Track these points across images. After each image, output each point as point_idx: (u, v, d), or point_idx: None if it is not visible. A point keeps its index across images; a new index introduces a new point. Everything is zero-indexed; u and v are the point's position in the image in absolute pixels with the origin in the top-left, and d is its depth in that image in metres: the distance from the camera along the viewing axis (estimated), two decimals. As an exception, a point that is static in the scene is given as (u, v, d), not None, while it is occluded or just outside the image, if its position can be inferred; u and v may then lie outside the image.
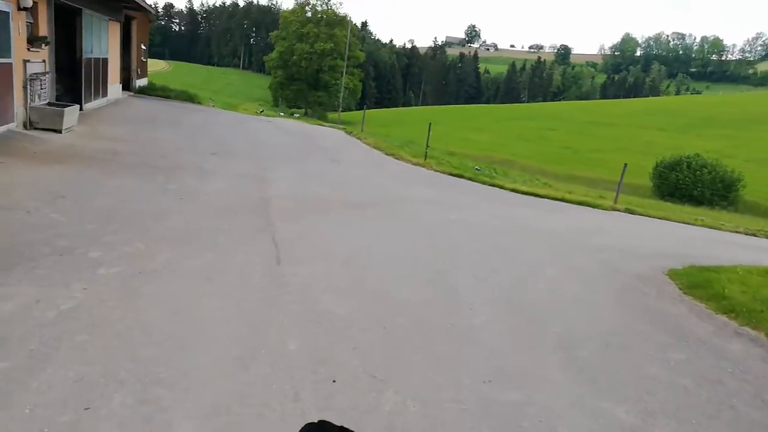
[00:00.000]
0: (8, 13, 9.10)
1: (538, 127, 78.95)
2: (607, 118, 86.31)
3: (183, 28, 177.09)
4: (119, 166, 8.49)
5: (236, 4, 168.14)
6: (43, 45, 10.48)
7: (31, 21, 10.44)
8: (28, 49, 10.14)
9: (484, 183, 13.43)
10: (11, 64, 9.38)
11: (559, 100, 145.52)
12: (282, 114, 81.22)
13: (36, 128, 10.03)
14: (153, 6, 23.30)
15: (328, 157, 13.54)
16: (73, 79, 13.87)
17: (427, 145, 15.47)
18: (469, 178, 13.66)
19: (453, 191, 11.68)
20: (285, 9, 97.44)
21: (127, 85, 22.86)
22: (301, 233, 6.39)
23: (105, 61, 16.20)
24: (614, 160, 60.15)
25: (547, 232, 8.85)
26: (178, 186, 7.83)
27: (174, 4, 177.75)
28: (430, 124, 15.71)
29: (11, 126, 9.50)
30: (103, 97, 16.15)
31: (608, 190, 39.87)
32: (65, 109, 10.30)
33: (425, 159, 15.15)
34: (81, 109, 13.76)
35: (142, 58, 24.84)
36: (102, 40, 15.87)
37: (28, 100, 10.14)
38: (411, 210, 8.72)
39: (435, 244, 6.83)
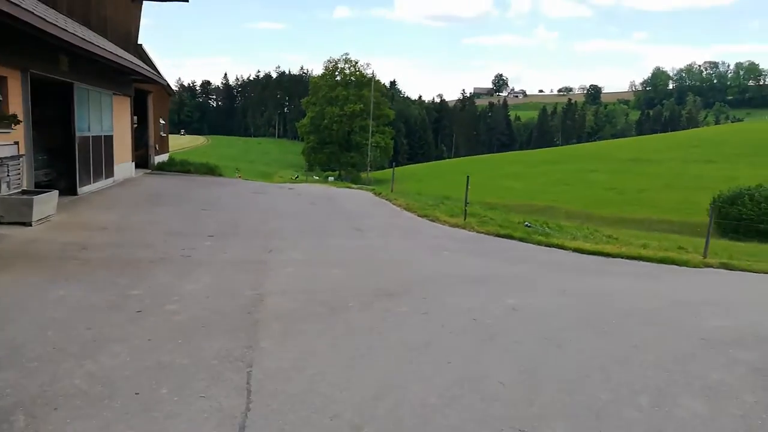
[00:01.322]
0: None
1: (578, 169, 76.28)
2: (649, 154, 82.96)
3: (220, 103, 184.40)
4: (79, 267, 6.68)
5: (269, 76, 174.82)
6: (13, 125, 9.07)
7: (0, 98, 9.10)
8: (-8, 131, 8.74)
9: (539, 243, 11.14)
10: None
11: (594, 140, 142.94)
12: (316, 178, 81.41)
13: (1, 223, 8.45)
14: (163, 79, 22.64)
15: (350, 225, 11.58)
16: (68, 161, 12.56)
17: (466, 201, 13.35)
18: (521, 238, 11.40)
19: (505, 259, 9.44)
20: (314, 75, 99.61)
21: (144, 162, 21.90)
22: (296, 363, 4.28)
23: (109, 138, 15.00)
24: (663, 198, 56.77)
25: (641, 312, 6.48)
26: (145, 290, 5.92)
27: (211, 81, 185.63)
28: (468, 177, 13.67)
29: (-35, 223, 7.95)
30: (107, 177, 14.85)
31: (665, 231, 36.67)
32: (36, 197, 8.73)
33: (465, 218, 13.02)
34: (75, 193, 12.36)
35: (162, 133, 24.03)
36: (105, 117, 14.72)
37: (-8, 190, 8.65)
38: (455, 297, 6.53)
39: (498, 363, 4.59)
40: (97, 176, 13.99)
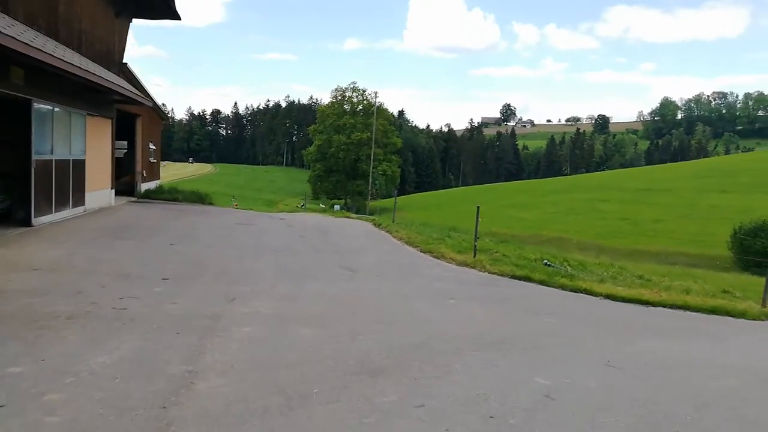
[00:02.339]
0: None
1: (588, 199, 74.50)
2: (661, 183, 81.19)
3: (229, 131, 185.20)
4: (-38, 327, 5.03)
5: (278, 105, 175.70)
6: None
7: None
8: None
9: (563, 287, 9.38)
10: None
11: (603, 169, 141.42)
12: (323, 206, 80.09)
13: None
14: (154, 103, 21.31)
15: (341, 263, 9.88)
16: (24, 188, 11.04)
17: (476, 236, 11.63)
18: (541, 281, 9.65)
19: (525, 310, 7.69)
20: (323, 104, 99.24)
21: (131, 189, 20.45)
22: None
23: (80, 163, 13.53)
24: (679, 229, 54.68)
25: (721, 398, 4.73)
26: (32, 365, 4.25)
27: (221, 110, 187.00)
28: (478, 207, 11.97)
29: None
30: (76, 206, 13.32)
31: (683, 264, 34.56)
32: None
33: (474, 255, 11.30)
34: (29, 224, 10.80)
35: (151, 159, 22.62)
36: (75, 139, 13.27)
37: None
38: (464, 375, 4.80)
39: None
40: (61, 205, 12.45)
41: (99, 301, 6.27)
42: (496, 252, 12.86)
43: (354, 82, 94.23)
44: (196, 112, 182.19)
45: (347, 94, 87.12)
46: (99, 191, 15.32)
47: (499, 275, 10.02)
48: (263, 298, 7.06)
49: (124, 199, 18.63)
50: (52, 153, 11.82)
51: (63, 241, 9.74)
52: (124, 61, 17.01)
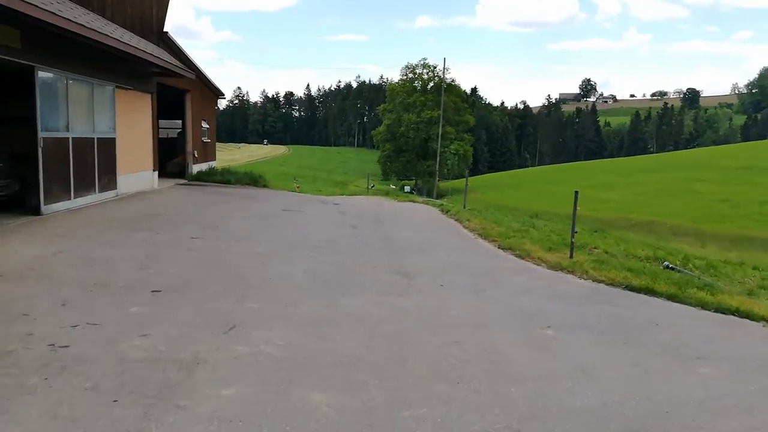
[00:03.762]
0: None
1: (681, 178, 67.64)
2: (764, 161, 72.66)
3: (302, 113, 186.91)
4: None
5: (350, 86, 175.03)
6: None
7: None
8: None
9: (704, 305, 6.66)
10: None
11: (693, 147, 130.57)
12: (393, 187, 78.03)
13: None
14: (201, 76, 19.73)
15: (395, 266, 7.64)
16: (34, 170, 9.57)
17: (574, 230, 8.96)
18: (670, 296, 6.95)
19: (668, 355, 5.08)
20: (391, 82, 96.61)
21: (182, 171, 19.16)
22: None
23: (108, 142, 12.05)
24: (791, 212, 48.17)
25: None
26: None
27: (294, 92, 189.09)
28: (576, 193, 9.24)
29: None
30: (104, 191, 11.88)
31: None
32: None
33: (571, 255, 8.69)
34: (38, 212, 9.32)
35: (204, 138, 21.25)
36: (101, 115, 11.78)
37: None
38: None
39: None
40: (84, 190, 10.98)
41: (39, 330, 4.40)
42: (595, 248, 10.17)
43: (425, 58, 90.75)
44: (270, 95, 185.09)
45: (417, 71, 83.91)
46: (137, 173, 13.90)
47: (608, 284, 7.41)
48: (276, 324, 4.96)
49: (171, 182, 17.30)
50: (68, 130, 10.29)
51: (62, 234, 8.11)
52: (164, 30, 15.41)
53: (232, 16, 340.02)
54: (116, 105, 12.39)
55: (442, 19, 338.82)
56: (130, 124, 13.43)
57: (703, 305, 6.72)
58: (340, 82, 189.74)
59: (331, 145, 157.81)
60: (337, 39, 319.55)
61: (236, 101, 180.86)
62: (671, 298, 6.94)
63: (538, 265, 8.34)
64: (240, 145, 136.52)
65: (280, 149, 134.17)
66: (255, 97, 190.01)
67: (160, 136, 23.58)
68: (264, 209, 12.61)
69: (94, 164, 11.41)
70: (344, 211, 13.16)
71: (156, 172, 15.38)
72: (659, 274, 8.01)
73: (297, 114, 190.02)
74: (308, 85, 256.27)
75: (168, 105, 19.78)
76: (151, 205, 11.74)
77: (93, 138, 11.33)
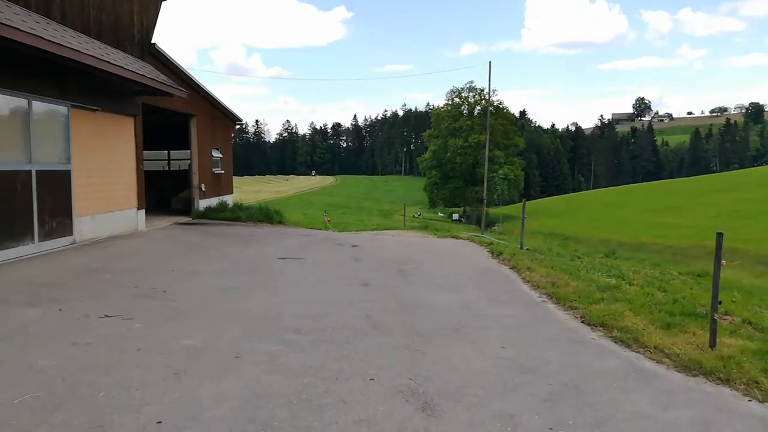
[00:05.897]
0: None
1: (757, 199, 61.03)
2: None
3: (350, 143, 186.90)
4: None
5: (396, 114, 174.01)
6: None
7: None
8: None
9: None
10: None
11: (761, 164, 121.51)
12: (441, 215, 74.30)
13: None
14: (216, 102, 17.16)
15: (408, 374, 4.36)
16: None
17: (717, 300, 5.42)
18: None
19: None
20: (436, 107, 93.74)
21: (187, 207, 16.59)
22: None
23: (57, 176, 9.42)
24: None
25: None
26: None
27: (341, 123, 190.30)
28: (720, 234, 5.71)
29: None
30: (51, 238, 9.20)
31: None
32: None
33: (713, 344, 5.17)
34: None
35: (216, 169, 18.71)
36: (48, 141, 9.18)
37: None
38: None
39: None
40: (11, 239, 8.30)
41: None
42: (727, 314, 6.55)
43: (471, 81, 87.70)
44: (318, 127, 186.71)
45: (464, 94, 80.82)
46: (111, 213, 11.26)
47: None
48: None
49: (169, 221, 14.67)
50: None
51: None
52: (151, 42, 12.93)
53: (282, 53, 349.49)
54: (72, 129, 9.80)
55: (488, 46, 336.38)
56: (100, 152, 10.85)
57: None
58: (386, 111, 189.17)
59: (378, 174, 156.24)
60: (384, 70, 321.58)
61: (285, 134, 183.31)
62: None
63: (658, 362, 4.86)
64: (288, 177, 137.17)
65: (328, 179, 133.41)
66: (303, 129, 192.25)
67: (171, 169, 21.45)
68: (254, 257, 9.59)
69: (32, 204, 8.76)
70: (360, 256, 9.97)
71: (142, 211, 12.73)
72: None
73: (344, 144, 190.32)
74: (355, 115, 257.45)
75: (177, 133, 17.45)
76: (104, 257, 8.93)
77: (29, 170, 8.71)
